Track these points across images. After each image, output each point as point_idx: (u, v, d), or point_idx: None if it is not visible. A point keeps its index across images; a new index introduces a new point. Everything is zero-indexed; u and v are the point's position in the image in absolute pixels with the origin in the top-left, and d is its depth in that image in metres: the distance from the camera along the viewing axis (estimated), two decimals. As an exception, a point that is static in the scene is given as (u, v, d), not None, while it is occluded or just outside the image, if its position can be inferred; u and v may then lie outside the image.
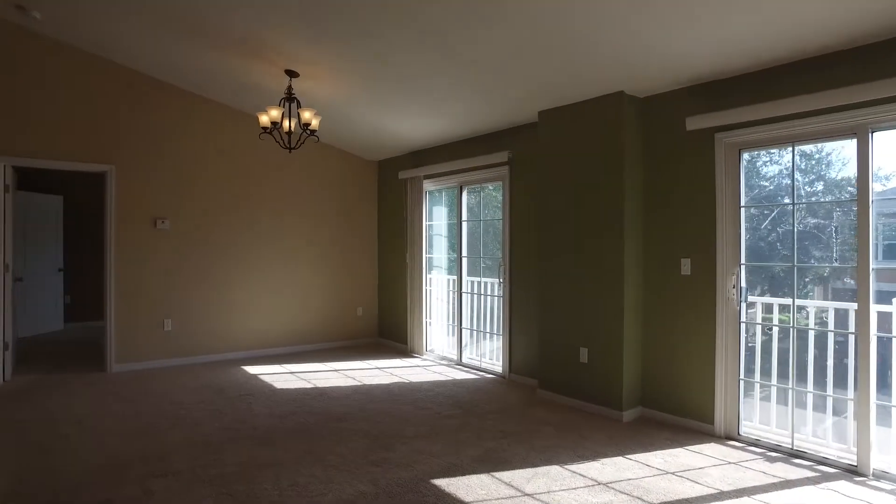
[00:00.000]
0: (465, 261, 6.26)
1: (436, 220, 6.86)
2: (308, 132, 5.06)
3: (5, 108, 5.20)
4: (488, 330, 6.10)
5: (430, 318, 6.84)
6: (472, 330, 6.25)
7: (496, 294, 5.88)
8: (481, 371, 5.93)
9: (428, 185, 6.66)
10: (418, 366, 6.23)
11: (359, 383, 5.42)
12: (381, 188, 7.57)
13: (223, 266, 6.37)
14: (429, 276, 6.86)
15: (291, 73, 5.06)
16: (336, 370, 5.98)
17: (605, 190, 4.40)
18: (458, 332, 6.29)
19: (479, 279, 6.18)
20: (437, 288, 6.83)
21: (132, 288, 5.83)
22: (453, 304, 6.42)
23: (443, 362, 6.37)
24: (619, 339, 4.33)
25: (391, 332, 7.37)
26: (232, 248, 6.43)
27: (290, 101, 5.02)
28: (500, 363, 5.74)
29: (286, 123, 5.05)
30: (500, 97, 4.86)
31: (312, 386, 5.30)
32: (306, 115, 4.93)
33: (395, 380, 5.58)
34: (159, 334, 5.99)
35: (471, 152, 5.99)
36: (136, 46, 5.19)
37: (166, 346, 6.04)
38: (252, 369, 5.95)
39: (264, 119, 4.92)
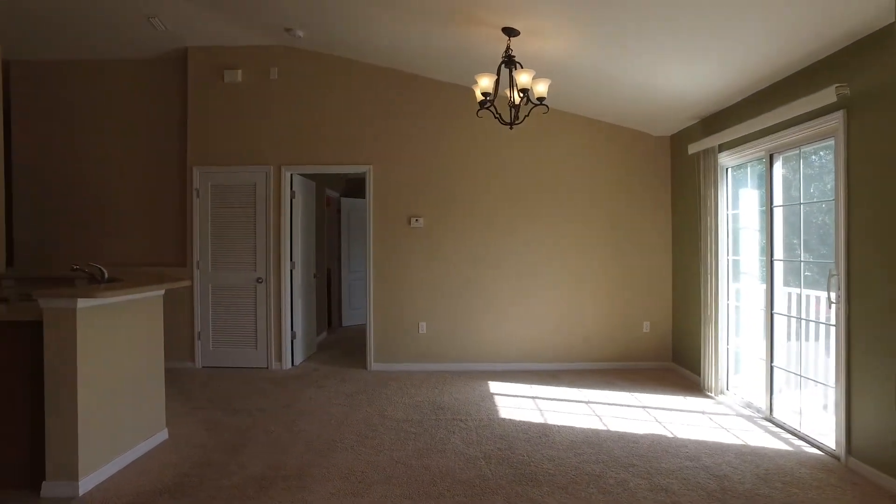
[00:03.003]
0: (777, 265, 4.16)
1: (743, 206, 4.83)
2: (534, 101, 4.08)
3: (287, 126, 5.82)
4: (815, 376, 3.89)
5: (734, 346, 4.87)
6: (789, 371, 4.10)
7: (827, 321, 3.67)
8: (799, 438, 3.80)
9: (726, 159, 4.72)
10: (703, 412, 4.43)
11: (600, 427, 4.10)
12: (675, 170, 5.84)
13: (478, 268, 5.86)
14: (734, 285, 4.89)
15: (510, 32, 4.14)
16: (587, 401, 4.74)
17: None
18: (767, 370, 4.23)
19: (798, 291, 4.01)
20: (745, 302, 4.81)
21: (390, 288, 5.86)
22: (766, 327, 4.36)
23: (744, 411, 4.40)
24: None
25: (685, 357, 5.60)
26: (487, 247, 5.86)
27: (509, 66, 4.11)
28: (833, 433, 3.52)
29: (508, 94, 4.17)
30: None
31: (541, 421, 4.25)
32: (522, 78, 3.94)
33: (654, 430, 4.02)
34: (414, 337, 5.87)
35: (779, 100, 3.91)
36: (376, 41, 5.12)
37: (420, 349, 5.87)
38: (495, 386, 5.24)
39: (478, 93, 4.14)
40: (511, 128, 4.29)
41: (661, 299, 5.92)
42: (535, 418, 4.31)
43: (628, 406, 4.61)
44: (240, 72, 5.80)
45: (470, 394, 4.99)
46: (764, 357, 4.28)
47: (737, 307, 4.87)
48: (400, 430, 4.03)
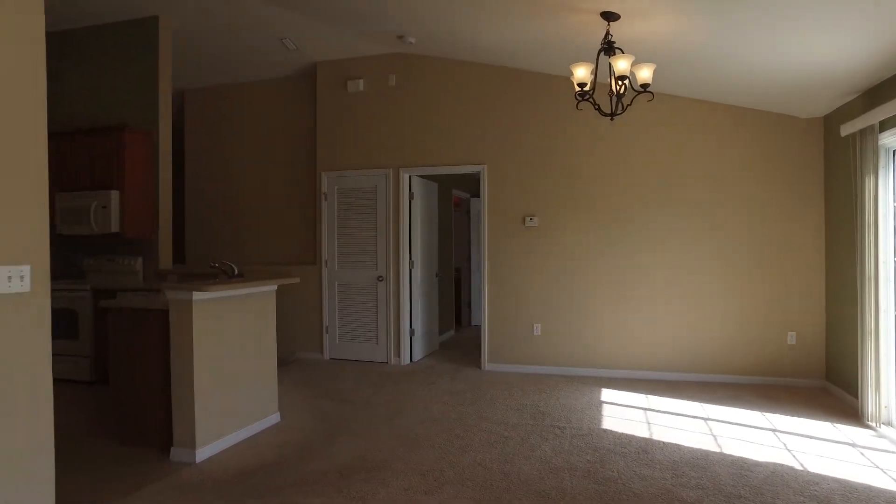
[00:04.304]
0: (955, 270, 3.35)
1: (915, 197, 3.97)
2: (636, 88, 3.79)
3: (404, 130, 6.04)
4: None
5: (903, 366, 4.02)
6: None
7: None
8: (982, 487, 3.02)
9: (890, 139, 3.91)
10: (853, 444, 3.72)
11: (713, 448, 3.65)
12: (828, 157, 4.99)
13: (595, 268, 5.55)
14: (901, 293, 4.04)
15: (609, 17, 3.87)
16: (706, 418, 4.24)
17: None
18: (943, 399, 3.42)
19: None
20: (918, 315, 3.95)
21: (504, 289, 5.80)
22: (943, 346, 3.54)
23: (911, 447, 3.61)
24: None
25: (841, 376, 4.75)
26: (605, 247, 5.53)
27: (609, 53, 3.86)
28: None
29: (610, 83, 3.91)
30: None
31: (646, 435, 3.90)
32: (620, 64, 3.67)
33: (779, 459, 3.47)
34: (528, 338, 5.73)
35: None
36: (479, 40, 5.11)
37: (534, 351, 5.72)
38: (608, 394, 4.93)
39: (576, 84, 3.93)
40: (612, 119, 4.00)
41: (810, 307, 5.09)
42: (640, 432, 3.97)
43: (755, 427, 4.03)
44: (361, 81, 6.16)
45: (577, 400, 4.75)
46: (938, 381, 3.48)
47: (906, 319, 4.02)
48: (492, 433, 3.97)
